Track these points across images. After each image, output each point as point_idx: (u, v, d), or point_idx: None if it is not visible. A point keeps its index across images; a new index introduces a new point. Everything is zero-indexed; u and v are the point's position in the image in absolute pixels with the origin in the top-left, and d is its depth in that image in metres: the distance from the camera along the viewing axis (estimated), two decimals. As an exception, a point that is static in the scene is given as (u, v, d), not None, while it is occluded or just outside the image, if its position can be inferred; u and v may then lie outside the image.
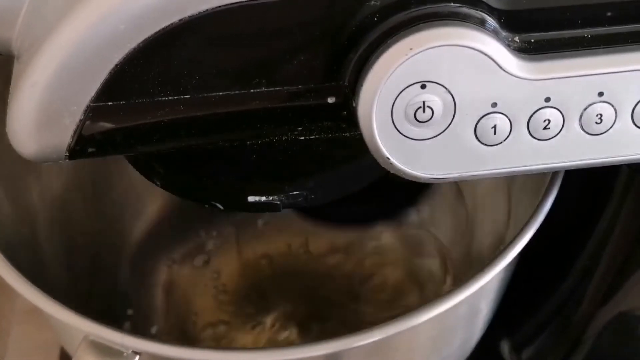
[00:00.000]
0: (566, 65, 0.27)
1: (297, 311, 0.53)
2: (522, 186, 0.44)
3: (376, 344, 0.33)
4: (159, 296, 0.56)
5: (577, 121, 0.28)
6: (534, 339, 0.51)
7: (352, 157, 0.33)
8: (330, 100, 0.28)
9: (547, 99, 0.27)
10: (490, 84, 0.27)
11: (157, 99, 0.27)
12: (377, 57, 0.26)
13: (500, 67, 0.27)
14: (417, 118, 0.27)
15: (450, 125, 0.28)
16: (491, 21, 0.27)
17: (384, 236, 0.57)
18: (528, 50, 0.27)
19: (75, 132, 0.27)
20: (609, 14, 0.27)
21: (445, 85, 0.27)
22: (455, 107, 0.27)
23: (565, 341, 0.49)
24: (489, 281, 0.35)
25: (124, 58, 0.26)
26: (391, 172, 0.29)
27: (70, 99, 0.26)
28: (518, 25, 0.27)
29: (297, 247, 0.57)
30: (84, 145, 0.28)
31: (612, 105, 0.28)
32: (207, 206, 0.34)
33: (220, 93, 0.28)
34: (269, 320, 0.53)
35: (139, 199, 0.56)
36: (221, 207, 0.34)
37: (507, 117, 0.28)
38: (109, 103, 0.27)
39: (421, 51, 0.26)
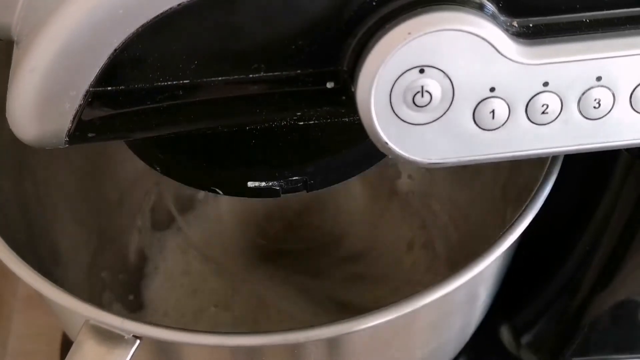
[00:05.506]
0: (564, 49, 0.27)
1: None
2: (521, 171, 0.44)
3: (375, 328, 0.34)
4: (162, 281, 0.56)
5: (575, 106, 0.28)
6: (534, 324, 0.51)
7: (352, 142, 0.33)
8: (329, 85, 0.28)
9: (546, 84, 0.27)
10: (489, 69, 0.27)
11: (156, 84, 0.27)
12: (376, 42, 0.26)
13: (499, 52, 0.27)
14: (416, 102, 0.27)
15: (449, 110, 0.28)
16: (489, 5, 0.27)
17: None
18: (526, 35, 0.27)
19: (74, 117, 0.27)
20: (607, -2, 0.27)
21: (443, 70, 0.27)
22: (453, 91, 0.27)
23: (564, 326, 0.49)
24: (488, 266, 0.35)
25: (123, 43, 0.26)
26: (390, 156, 0.29)
27: (70, 84, 0.27)
28: (516, 9, 0.27)
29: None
30: (83, 130, 0.28)
31: (610, 90, 0.28)
32: (206, 191, 0.34)
33: (220, 78, 0.28)
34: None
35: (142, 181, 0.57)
36: (221, 193, 0.34)
37: (505, 101, 0.28)
38: (108, 88, 0.27)
39: (419, 36, 0.26)
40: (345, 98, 0.28)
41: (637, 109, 0.28)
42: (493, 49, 0.27)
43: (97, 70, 0.26)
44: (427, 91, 0.27)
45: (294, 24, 0.27)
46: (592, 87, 0.28)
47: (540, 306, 0.50)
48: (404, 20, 0.26)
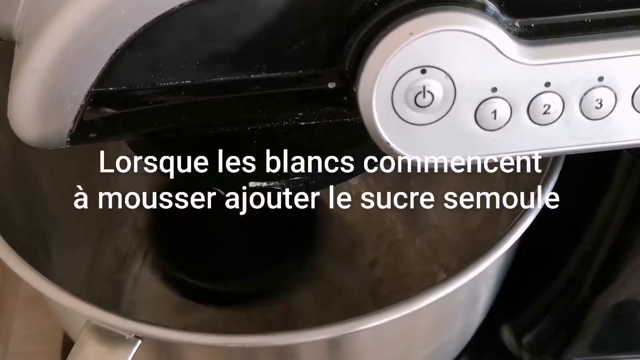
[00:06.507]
0: (566, 50, 0.27)
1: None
2: (523, 171, 0.44)
3: (377, 328, 0.34)
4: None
5: (577, 106, 0.28)
6: (535, 324, 0.51)
7: (353, 143, 0.33)
8: (331, 85, 0.28)
9: (547, 84, 0.27)
10: (491, 69, 0.27)
11: (158, 84, 0.27)
12: (377, 42, 0.26)
13: (500, 52, 0.27)
14: (418, 103, 0.27)
15: (451, 110, 0.28)
16: (491, 6, 0.27)
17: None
18: (528, 35, 0.27)
19: (76, 117, 0.27)
20: (609, -2, 0.27)
21: (445, 70, 0.27)
22: (455, 91, 0.27)
23: (565, 327, 0.49)
24: (489, 266, 0.35)
25: (125, 43, 0.26)
26: (392, 156, 0.29)
27: (72, 84, 0.27)
28: (518, 9, 0.27)
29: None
30: (85, 130, 0.28)
31: (612, 90, 0.28)
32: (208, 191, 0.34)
33: (221, 78, 0.28)
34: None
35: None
36: (222, 193, 0.34)
37: (507, 101, 0.28)
38: (110, 88, 0.27)
39: (421, 36, 0.26)
40: (346, 98, 0.28)
41: (639, 109, 0.28)
42: (495, 49, 0.27)
43: (99, 71, 0.26)
44: (429, 91, 0.27)
45: (296, 24, 0.27)
46: (594, 88, 0.28)
47: (541, 306, 0.50)
48: (405, 20, 0.26)
